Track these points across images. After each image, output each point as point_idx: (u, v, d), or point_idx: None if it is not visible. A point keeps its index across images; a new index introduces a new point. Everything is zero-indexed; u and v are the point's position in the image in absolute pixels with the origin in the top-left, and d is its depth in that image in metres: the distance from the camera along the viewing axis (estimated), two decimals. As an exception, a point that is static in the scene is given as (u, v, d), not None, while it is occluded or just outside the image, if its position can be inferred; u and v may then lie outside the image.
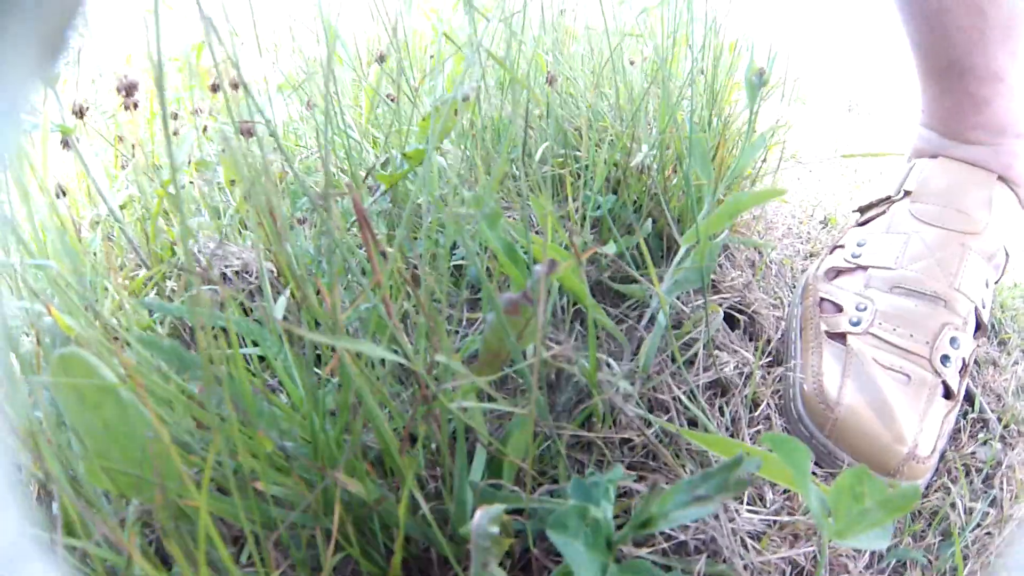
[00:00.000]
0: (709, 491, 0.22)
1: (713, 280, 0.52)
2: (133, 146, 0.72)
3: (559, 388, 0.40)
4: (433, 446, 0.34)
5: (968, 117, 0.58)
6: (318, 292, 0.26)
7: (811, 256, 0.68)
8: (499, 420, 0.39)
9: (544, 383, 0.38)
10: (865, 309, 0.52)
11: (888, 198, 0.61)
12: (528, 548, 0.34)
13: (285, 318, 0.35)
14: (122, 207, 0.63)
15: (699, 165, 0.47)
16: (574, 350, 0.35)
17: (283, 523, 0.26)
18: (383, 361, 0.34)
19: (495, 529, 0.27)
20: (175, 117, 0.78)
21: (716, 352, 0.44)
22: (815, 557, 0.40)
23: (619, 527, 0.28)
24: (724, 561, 0.34)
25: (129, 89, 0.52)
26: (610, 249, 0.45)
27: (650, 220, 0.51)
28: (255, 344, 0.36)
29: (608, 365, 0.37)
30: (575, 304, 0.46)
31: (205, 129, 0.70)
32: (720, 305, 0.48)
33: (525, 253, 0.41)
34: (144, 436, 0.24)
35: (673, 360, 0.42)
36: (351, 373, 0.26)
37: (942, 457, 0.49)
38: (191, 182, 0.62)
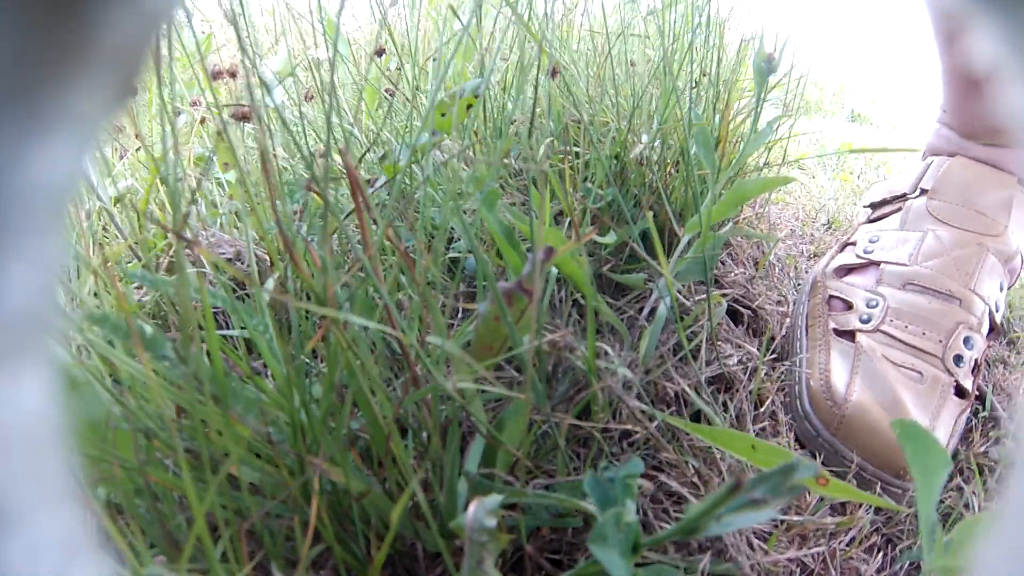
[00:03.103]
0: (766, 494, 0.20)
1: (716, 276, 0.51)
2: (136, 135, 0.71)
3: (557, 380, 0.38)
4: (424, 436, 0.32)
5: (996, 119, 0.57)
6: (307, 257, 0.25)
7: (815, 256, 0.67)
8: (492, 413, 0.38)
9: (541, 376, 0.36)
10: (876, 306, 0.51)
11: (903, 196, 0.60)
12: (520, 547, 0.33)
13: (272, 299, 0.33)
14: (118, 199, 0.62)
15: (702, 153, 0.46)
16: (573, 339, 0.33)
17: (257, 511, 0.24)
18: (373, 346, 0.33)
19: (492, 522, 0.26)
20: (177, 114, 0.78)
21: (720, 344, 0.43)
22: (824, 559, 0.38)
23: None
24: (729, 559, 0.32)
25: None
26: (609, 238, 0.44)
27: (651, 213, 0.50)
28: (242, 327, 0.34)
29: (607, 354, 0.35)
30: (574, 297, 0.44)
31: (203, 121, 0.69)
32: (724, 297, 0.46)
33: (524, 240, 0.40)
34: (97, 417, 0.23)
35: (676, 352, 0.40)
36: (338, 346, 0.25)
37: (954, 456, 0.48)
38: (189, 173, 0.61)
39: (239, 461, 0.24)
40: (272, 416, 0.28)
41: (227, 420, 0.23)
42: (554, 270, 0.41)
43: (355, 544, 0.28)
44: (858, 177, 0.92)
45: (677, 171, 0.57)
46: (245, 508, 0.25)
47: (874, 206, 0.63)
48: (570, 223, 0.40)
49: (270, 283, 0.40)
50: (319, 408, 0.27)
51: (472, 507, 0.25)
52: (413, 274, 0.29)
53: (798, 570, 0.36)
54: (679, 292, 0.45)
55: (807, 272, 0.61)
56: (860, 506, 0.41)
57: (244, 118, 0.46)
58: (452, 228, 0.52)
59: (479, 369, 0.29)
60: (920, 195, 0.59)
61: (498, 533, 0.26)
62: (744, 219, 0.62)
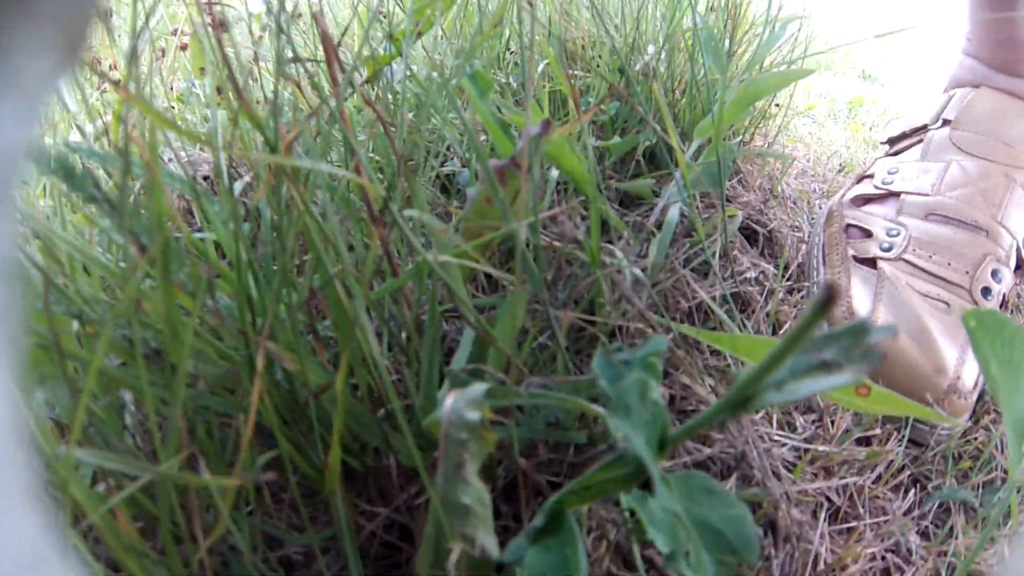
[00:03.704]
0: (838, 355, 0.15)
1: (727, 196, 0.47)
2: (110, 66, 0.67)
3: (558, 289, 0.34)
4: (403, 336, 0.27)
5: None
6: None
7: (829, 195, 0.63)
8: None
9: (540, 277, 0.32)
10: (898, 235, 0.47)
11: (924, 127, 0.56)
12: (513, 469, 0.28)
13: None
14: (98, 137, 0.58)
15: (711, 58, 0.41)
16: (572, 225, 0.29)
17: (193, 399, 0.19)
18: (351, 248, 0.28)
19: (475, 415, 0.21)
20: (163, 53, 0.73)
21: (736, 256, 0.38)
22: (852, 495, 0.34)
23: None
24: (756, 484, 0.28)
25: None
26: (614, 143, 0.39)
27: (658, 127, 0.45)
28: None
29: (612, 254, 0.31)
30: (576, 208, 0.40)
31: (185, 48, 0.65)
32: (738, 211, 0.42)
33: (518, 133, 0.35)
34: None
35: (687, 264, 0.36)
36: (294, 199, 0.20)
37: (981, 397, 0.44)
38: (172, 106, 0.58)
39: (175, 345, 0.20)
40: (221, 297, 0.23)
41: (166, 287, 0.18)
42: (554, 173, 0.37)
43: (312, 452, 0.23)
44: (870, 128, 0.88)
45: (683, 95, 0.52)
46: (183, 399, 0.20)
47: (892, 141, 0.59)
48: (570, 105, 0.35)
49: (239, 185, 0.35)
50: (270, 281, 0.22)
51: (451, 398, 0.21)
52: (388, 134, 0.24)
53: (826, 503, 0.32)
54: (687, 211, 0.41)
55: (821, 208, 0.57)
56: (888, 440, 0.37)
57: (220, 25, 0.41)
58: (444, 149, 0.47)
59: (467, 248, 0.25)
60: (943, 126, 0.55)
61: (483, 432, 0.21)
62: (754, 146, 0.58)
